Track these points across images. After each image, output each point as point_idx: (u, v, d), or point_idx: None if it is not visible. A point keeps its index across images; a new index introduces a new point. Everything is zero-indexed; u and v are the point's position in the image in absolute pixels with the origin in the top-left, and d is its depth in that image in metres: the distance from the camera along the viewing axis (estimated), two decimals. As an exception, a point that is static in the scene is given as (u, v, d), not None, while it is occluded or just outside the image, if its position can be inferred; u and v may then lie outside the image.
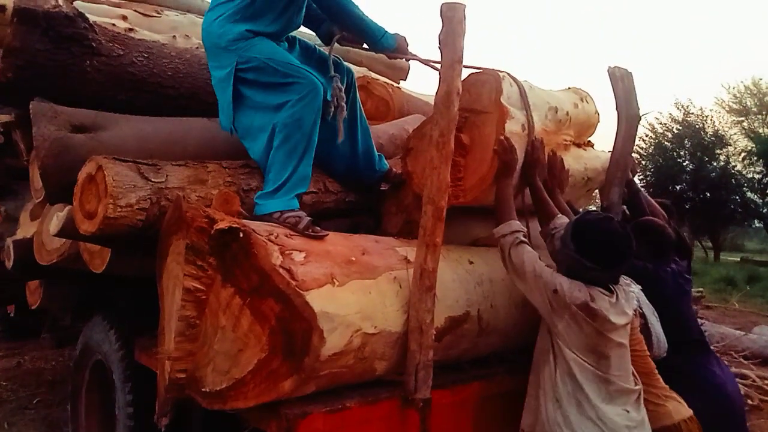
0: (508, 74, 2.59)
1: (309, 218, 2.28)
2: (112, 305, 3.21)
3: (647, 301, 2.61)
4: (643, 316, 2.52)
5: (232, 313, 1.89)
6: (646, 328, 2.52)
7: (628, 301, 2.22)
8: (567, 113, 2.96)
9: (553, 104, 2.86)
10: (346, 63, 2.87)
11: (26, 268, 3.31)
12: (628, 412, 2.13)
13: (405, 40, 2.82)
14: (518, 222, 2.34)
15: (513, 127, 2.46)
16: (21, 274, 3.55)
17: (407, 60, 2.89)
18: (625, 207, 3.27)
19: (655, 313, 2.61)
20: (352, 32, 2.79)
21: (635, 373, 2.24)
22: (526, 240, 2.29)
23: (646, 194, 3.45)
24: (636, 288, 2.46)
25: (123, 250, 2.46)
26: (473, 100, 2.45)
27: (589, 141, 3.35)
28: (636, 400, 2.19)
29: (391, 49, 2.80)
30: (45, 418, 4.32)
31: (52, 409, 4.42)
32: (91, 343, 3.15)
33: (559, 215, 2.50)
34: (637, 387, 2.21)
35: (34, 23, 2.51)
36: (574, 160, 3.00)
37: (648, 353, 2.46)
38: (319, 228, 2.25)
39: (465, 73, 2.37)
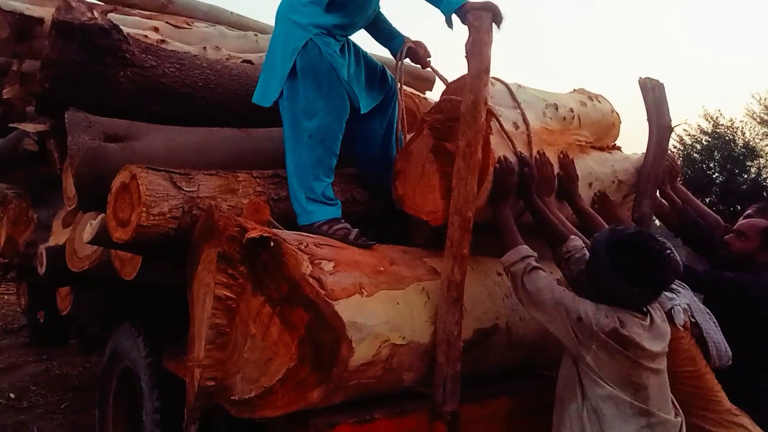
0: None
1: (356, 230, 2.33)
2: (140, 312, 3.24)
3: (702, 308, 2.40)
4: (697, 325, 2.31)
5: (262, 322, 1.90)
6: (701, 339, 2.30)
7: (665, 321, 2.02)
8: (571, 110, 2.85)
9: (551, 101, 2.77)
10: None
11: (58, 274, 3.36)
12: None
13: (422, 45, 2.81)
14: (526, 246, 2.16)
15: (504, 125, 2.41)
16: (53, 281, 3.61)
17: (423, 68, 2.87)
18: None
19: (713, 319, 2.38)
20: (380, 38, 2.85)
21: (675, 402, 2.03)
22: (539, 265, 2.11)
23: (697, 202, 3.33)
24: (685, 298, 2.29)
25: (154, 258, 2.49)
26: (455, 107, 2.32)
27: (615, 145, 3.21)
28: None
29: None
30: (73, 423, 4.36)
31: (80, 415, 4.46)
32: (119, 349, 3.19)
33: (572, 237, 2.25)
34: (678, 419, 1.98)
35: (71, 35, 2.57)
36: (597, 163, 2.88)
37: (705, 371, 2.21)
38: (365, 239, 2.30)
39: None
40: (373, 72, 2.76)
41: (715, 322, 2.38)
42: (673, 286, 2.31)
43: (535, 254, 2.16)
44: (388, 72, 2.84)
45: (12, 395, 4.82)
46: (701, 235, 3.05)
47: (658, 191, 3.14)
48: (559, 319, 1.96)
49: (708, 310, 2.41)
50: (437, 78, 3.03)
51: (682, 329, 2.18)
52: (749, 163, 20.43)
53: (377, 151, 2.75)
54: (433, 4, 2.40)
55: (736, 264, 2.75)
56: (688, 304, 2.31)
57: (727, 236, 2.90)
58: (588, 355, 1.91)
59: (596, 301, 1.95)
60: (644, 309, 1.99)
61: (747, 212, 3.03)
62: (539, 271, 2.08)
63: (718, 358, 2.32)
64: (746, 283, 2.61)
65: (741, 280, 2.66)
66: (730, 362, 2.34)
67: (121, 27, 2.80)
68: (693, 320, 2.30)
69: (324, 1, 2.46)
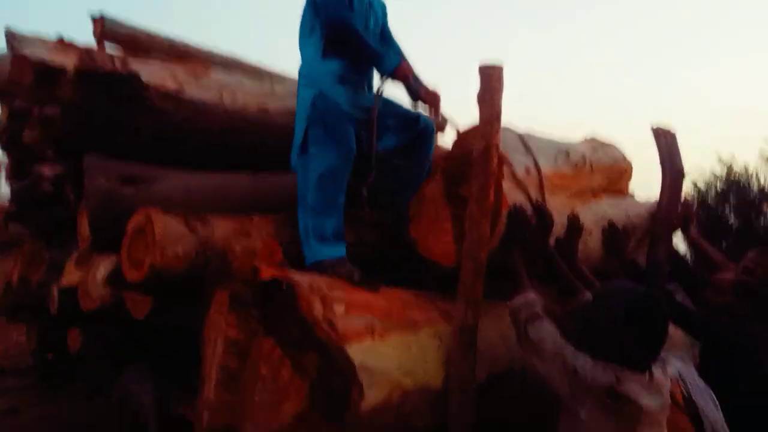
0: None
1: (358, 269, 2.34)
2: (149, 355, 3.23)
3: (702, 385, 2.24)
4: (693, 404, 2.15)
5: (273, 365, 1.89)
6: (697, 418, 2.13)
7: (664, 373, 1.89)
8: (583, 156, 2.91)
9: (563, 148, 2.82)
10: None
11: (70, 314, 3.38)
12: None
13: (435, 94, 2.76)
14: (534, 294, 2.14)
15: (516, 170, 2.42)
16: (64, 321, 3.62)
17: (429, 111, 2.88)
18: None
19: (712, 395, 2.23)
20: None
21: None
22: (542, 314, 2.06)
23: (709, 247, 3.30)
24: (676, 366, 2.14)
25: (165, 300, 2.50)
26: (467, 152, 2.35)
27: (628, 191, 3.26)
28: None
29: (389, 71, 2.63)
30: (78, 469, 4.29)
31: (86, 460, 4.39)
32: (127, 392, 3.16)
33: (585, 291, 2.24)
34: None
35: (92, 82, 2.65)
36: (611, 207, 2.92)
37: None
38: (370, 279, 2.30)
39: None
40: (404, 116, 2.85)
41: (714, 401, 2.24)
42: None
43: (542, 302, 2.13)
44: (423, 115, 2.90)
45: (16, 439, 4.76)
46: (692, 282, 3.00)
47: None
48: (555, 370, 1.90)
49: (707, 387, 2.27)
50: (448, 122, 3.07)
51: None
52: (766, 208, 20.30)
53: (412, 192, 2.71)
54: (375, 66, 2.70)
55: (719, 315, 2.68)
56: (680, 374, 2.19)
57: (704, 293, 2.85)
58: (582, 410, 1.82)
59: (595, 356, 1.86)
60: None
61: (745, 260, 2.95)
62: (543, 320, 2.04)
63: None
64: (736, 332, 2.54)
65: (731, 327, 2.57)
66: None
67: (141, 74, 2.88)
68: (686, 395, 2.16)
69: (319, 48, 2.60)
